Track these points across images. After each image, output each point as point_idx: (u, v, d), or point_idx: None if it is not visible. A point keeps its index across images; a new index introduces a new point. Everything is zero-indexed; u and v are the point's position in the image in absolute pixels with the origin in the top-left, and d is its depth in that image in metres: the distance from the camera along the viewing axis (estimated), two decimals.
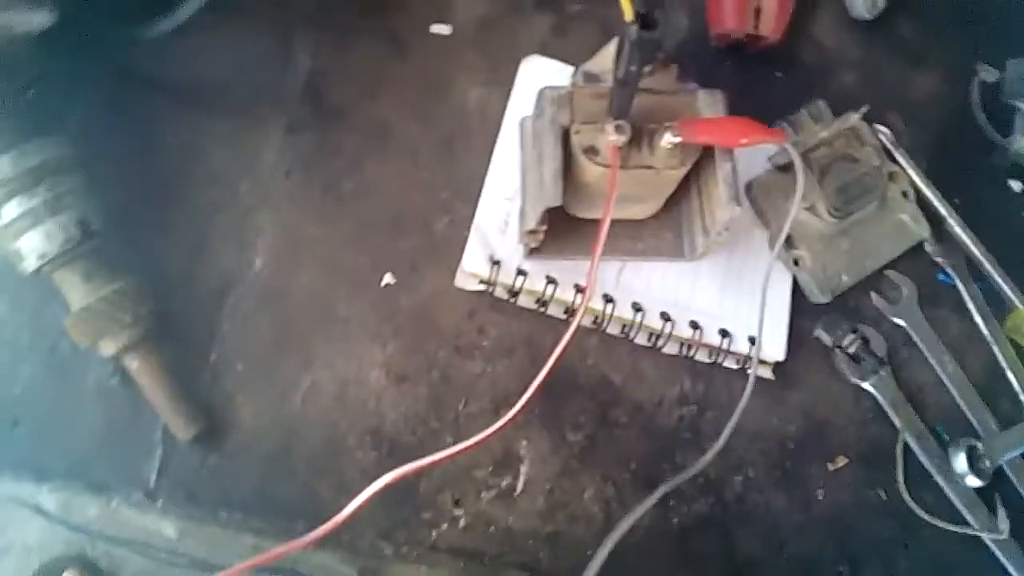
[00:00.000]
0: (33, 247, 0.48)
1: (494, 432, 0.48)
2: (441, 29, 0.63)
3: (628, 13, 0.46)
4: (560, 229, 0.56)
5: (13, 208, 0.47)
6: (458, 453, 0.48)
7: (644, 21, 0.44)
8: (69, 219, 0.48)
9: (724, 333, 0.59)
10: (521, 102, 0.61)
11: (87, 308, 0.49)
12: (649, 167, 0.51)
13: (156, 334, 0.52)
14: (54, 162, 0.48)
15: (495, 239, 0.58)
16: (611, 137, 0.50)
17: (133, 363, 0.50)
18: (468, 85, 0.62)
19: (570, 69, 0.61)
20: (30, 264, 0.48)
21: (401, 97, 0.61)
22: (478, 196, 0.59)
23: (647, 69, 0.52)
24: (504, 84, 0.62)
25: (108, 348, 0.50)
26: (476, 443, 0.48)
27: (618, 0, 0.44)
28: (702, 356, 0.59)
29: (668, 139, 0.50)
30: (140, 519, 0.50)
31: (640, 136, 0.51)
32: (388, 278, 0.58)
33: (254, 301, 0.56)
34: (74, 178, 0.49)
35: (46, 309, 0.53)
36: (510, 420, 0.49)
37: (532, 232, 0.54)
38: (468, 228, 0.58)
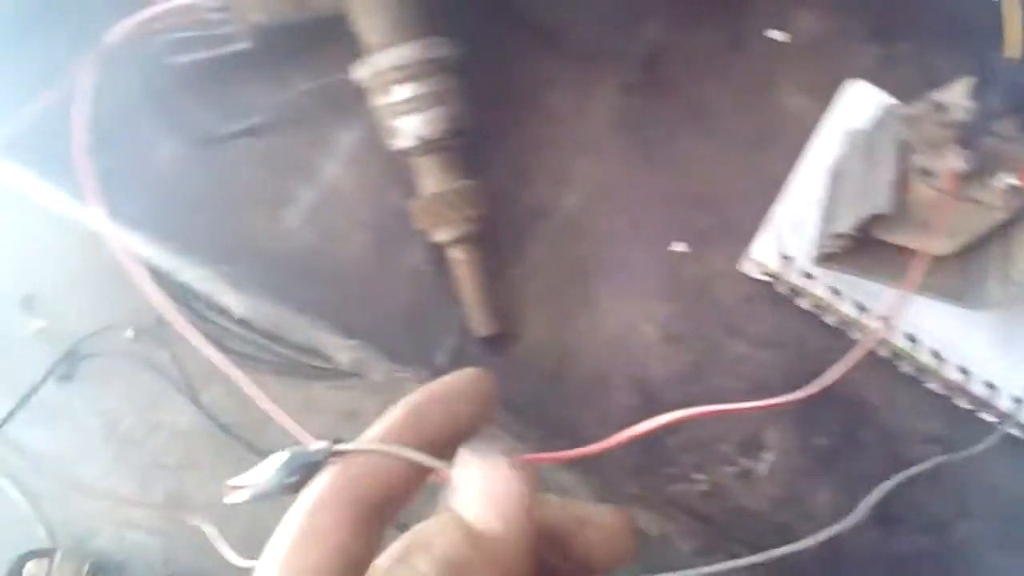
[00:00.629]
0: (412, 129, 0.53)
1: (752, 408, 0.52)
2: (777, 35, 0.66)
3: (1015, 48, 0.48)
4: (856, 245, 0.57)
5: (406, 90, 0.52)
6: (727, 412, 0.52)
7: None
8: (448, 113, 0.54)
9: (990, 386, 0.59)
10: (839, 119, 0.63)
11: (438, 195, 0.54)
12: (978, 202, 0.52)
13: (479, 236, 0.56)
14: (447, 60, 0.54)
15: (788, 237, 0.60)
16: (954, 163, 0.51)
17: (458, 254, 0.55)
18: (790, 92, 0.65)
19: (891, 101, 0.63)
20: (403, 142, 0.54)
21: (727, 87, 0.65)
22: (778, 194, 0.61)
23: (1001, 110, 0.53)
24: (823, 100, 0.64)
25: (441, 235, 0.55)
26: (741, 409, 0.52)
27: (1007, 31, 0.46)
28: (961, 401, 0.59)
29: (1007, 180, 0.51)
30: None
31: (976, 171, 0.52)
32: (679, 246, 0.61)
33: (559, 233, 0.60)
34: (458, 79, 0.55)
35: (388, 190, 0.58)
36: (770, 405, 0.52)
37: (839, 236, 0.56)
38: (762, 220, 0.61)
